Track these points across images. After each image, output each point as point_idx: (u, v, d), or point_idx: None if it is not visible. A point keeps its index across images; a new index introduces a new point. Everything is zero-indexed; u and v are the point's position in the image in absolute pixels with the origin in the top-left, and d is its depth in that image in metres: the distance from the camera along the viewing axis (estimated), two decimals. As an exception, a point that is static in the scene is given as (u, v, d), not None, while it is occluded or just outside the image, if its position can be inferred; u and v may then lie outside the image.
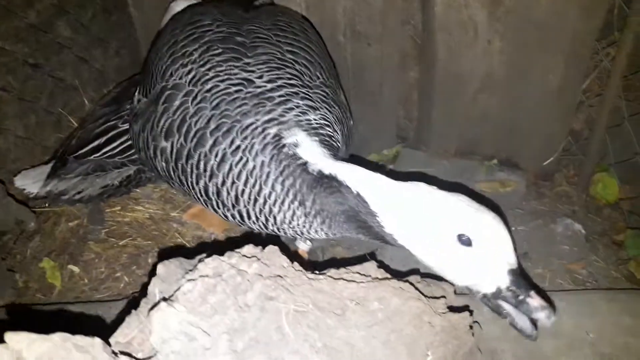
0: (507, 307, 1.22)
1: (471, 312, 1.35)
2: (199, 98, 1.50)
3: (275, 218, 1.45)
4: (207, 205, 1.57)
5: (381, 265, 1.28)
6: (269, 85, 1.51)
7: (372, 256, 1.39)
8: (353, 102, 2.62)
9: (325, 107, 1.59)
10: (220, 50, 1.56)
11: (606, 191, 2.39)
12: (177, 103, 1.53)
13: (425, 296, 1.21)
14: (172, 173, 1.58)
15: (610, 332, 1.58)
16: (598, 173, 2.43)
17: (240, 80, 1.51)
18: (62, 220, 2.26)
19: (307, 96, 1.56)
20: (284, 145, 1.42)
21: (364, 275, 1.18)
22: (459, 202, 1.22)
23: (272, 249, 1.12)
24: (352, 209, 1.33)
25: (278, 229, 1.48)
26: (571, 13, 2.06)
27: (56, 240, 2.21)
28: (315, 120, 1.50)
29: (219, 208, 1.54)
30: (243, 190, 1.44)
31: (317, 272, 1.19)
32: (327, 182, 1.36)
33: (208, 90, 1.50)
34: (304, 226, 1.44)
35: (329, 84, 1.70)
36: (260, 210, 1.45)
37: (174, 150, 1.52)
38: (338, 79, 2.02)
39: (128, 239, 2.20)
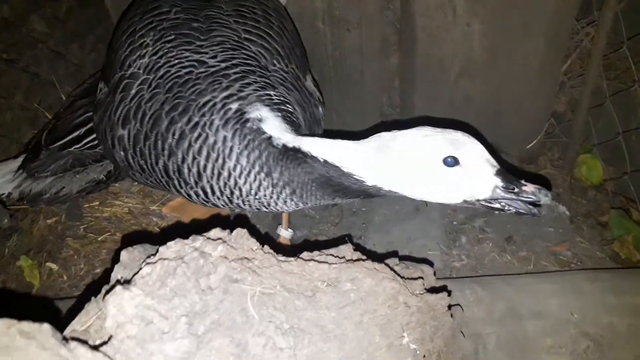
0: (504, 201, 1.27)
1: (449, 293, 1.32)
2: (153, 85, 1.50)
3: (240, 190, 1.43)
4: (170, 187, 1.54)
5: (358, 248, 1.25)
6: (224, 64, 1.52)
7: (350, 239, 1.36)
8: (335, 90, 2.60)
9: (283, 89, 1.59)
10: (172, 37, 1.57)
11: (590, 173, 2.37)
12: (133, 92, 1.53)
13: (402, 277, 1.18)
14: (131, 161, 1.56)
15: (595, 311, 1.56)
16: (582, 155, 2.41)
17: (191, 62, 1.51)
18: (40, 217, 2.22)
19: (263, 75, 1.56)
20: (247, 120, 1.42)
21: (337, 257, 1.15)
22: (429, 133, 1.29)
23: (241, 232, 1.09)
24: (323, 176, 1.36)
25: (243, 201, 1.46)
26: (550, -8, 2.03)
27: (34, 237, 2.17)
28: (275, 95, 1.51)
29: (181, 187, 1.51)
30: (205, 166, 1.43)
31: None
32: (292, 155, 1.37)
33: (161, 77, 1.51)
34: (271, 197, 1.43)
35: (288, 69, 1.69)
36: (225, 184, 1.43)
37: (131, 136, 1.51)
38: (307, 67, 2.00)
39: (107, 234, 2.16)
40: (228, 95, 1.45)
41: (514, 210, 1.27)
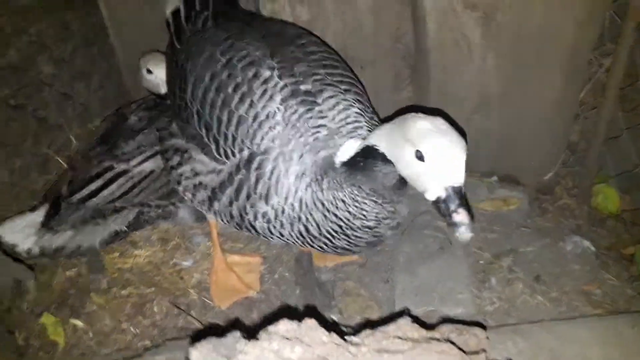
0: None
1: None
2: (287, 158, 1.65)
3: (342, 220, 1.65)
4: (305, 244, 1.76)
5: (416, 321, 1.23)
6: (340, 124, 1.70)
7: (408, 313, 1.36)
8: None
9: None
10: (295, 107, 1.68)
11: (607, 202, 2.38)
12: (270, 167, 1.66)
13: (465, 352, 1.16)
14: (272, 230, 1.74)
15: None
16: (597, 184, 2.42)
17: (316, 128, 1.67)
18: (59, 269, 2.17)
19: (370, 130, 1.71)
20: (334, 160, 1.64)
21: (403, 339, 1.14)
22: (422, 125, 1.41)
23: (310, 325, 1.07)
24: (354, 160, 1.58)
25: (353, 231, 1.67)
26: (567, 26, 2.03)
27: (54, 292, 2.13)
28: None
29: (313, 242, 1.73)
30: (318, 217, 1.65)
31: (353, 337, 1.14)
32: (354, 158, 1.59)
33: (292, 149, 1.66)
34: (355, 206, 1.62)
35: (372, 113, 1.87)
36: (332, 222, 1.66)
37: (274, 211, 1.69)
38: None
39: (131, 287, 2.11)
40: (332, 147, 1.65)
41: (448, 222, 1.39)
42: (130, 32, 2.77)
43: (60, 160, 2.59)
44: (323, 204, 1.63)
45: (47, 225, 2.04)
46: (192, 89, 1.81)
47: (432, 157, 1.35)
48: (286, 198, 1.66)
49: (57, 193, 2.12)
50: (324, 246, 1.75)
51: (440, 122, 1.43)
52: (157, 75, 2.28)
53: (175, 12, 2.07)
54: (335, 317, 2.03)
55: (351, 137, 1.67)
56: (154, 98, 2.43)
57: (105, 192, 2.05)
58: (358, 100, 1.79)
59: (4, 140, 2.27)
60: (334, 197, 1.62)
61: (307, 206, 1.65)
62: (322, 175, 1.63)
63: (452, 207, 1.35)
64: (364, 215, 1.64)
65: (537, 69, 2.16)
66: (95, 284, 2.15)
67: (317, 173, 1.64)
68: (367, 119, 1.76)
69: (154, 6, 2.64)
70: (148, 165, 2.11)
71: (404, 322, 1.21)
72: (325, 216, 1.65)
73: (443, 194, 1.36)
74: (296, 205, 1.66)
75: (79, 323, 2.05)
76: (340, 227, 1.66)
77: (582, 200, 2.42)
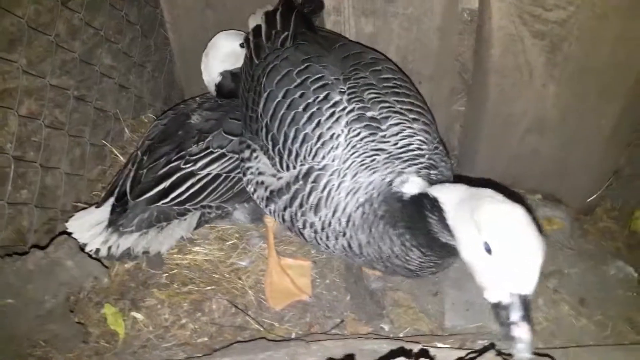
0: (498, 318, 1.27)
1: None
2: (341, 175, 1.70)
3: (383, 252, 1.66)
4: (348, 258, 1.82)
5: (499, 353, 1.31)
6: (401, 150, 1.71)
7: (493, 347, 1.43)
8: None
9: (443, 167, 1.77)
10: (358, 131, 1.73)
11: (647, 226, 2.47)
12: (324, 182, 1.72)
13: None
14: (318, 240, 1.79)
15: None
16: (637, 209, 2.50)
17: (375, 151, 1.69)
18: (116, 262, 2.24)
19: (431, 159, 1.73)
20: (392, 187, 1.62)
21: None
22: (499, 212, 1.27)
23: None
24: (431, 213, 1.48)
25: (390, 262, 1.68)
26: (635, 60, 2.09)
27: (113, 283, 2.19)
28: (433, 174, 1.69)
29: (354, 258, 1.78)
30: (362, 238, 1.67)
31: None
32: (415, 201, 1.55)
33: (348, 167, 1.70)
34: (401, 249, 1.60)
35: (438, 143, 1.86)
36: (374, 250, 1.67)
37: (321, 222, 1.74)
38: None
39: (191, 285, 2.18)
40: (390, 172, 1.65)
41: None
42: (186, 25, 2.80)
43: (115, 151, 2.64)
44: (370, 230, 1.64)
45: (114, 224, 2.08)
46: (264, 103, 1.88)
47: (502, 256, 1.21)
48: (335, 212, 1.70)
49: (122, 190, 2.15)
50: (363, 264, 1.82)
51: (520, 213, 1.26)
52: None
53: (256, 29, 2.13)
54: (386, 327, 2.12)
55: (413, 165, 1.67)
56: (215, 99, 2.48)
57: (173, 194, 2.09)
58: (424, 130, 1.81)
59: (68, 131, 2.31)
60: (383, 230, 1.62)
61: (354, 224, 1.67)
62: (378, 201, 1.63)
63: (514, 318, 1.20)
64: (406, 260, 1.63)
65: (597, 99, 2.22)
66: (155, 279, 2.22)
67: (373, 195, 1.64)
68: (431, 148, 1.78)
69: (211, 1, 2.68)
70: (214, 169, 2.16)
71: (491, 357, 1.29)
72: (369, 242, 1.66)
73: (506, 300, 1.22)
74: (343, 220, 1.69)
75: (139, 316, 2.12)
76: (381, 257, 1.67)
77: (623, 224, 2.51)
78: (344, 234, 1.71)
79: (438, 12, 2.27)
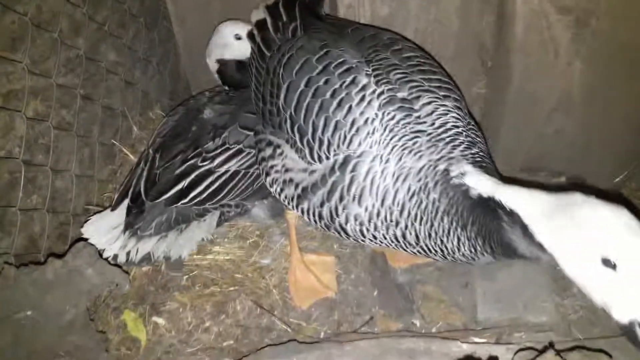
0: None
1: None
2: (384, 160, 1.63)
3: (446, 247, 1.61)
4: (398, 247, 1.73)
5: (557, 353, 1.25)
6: (440, 130, 1.65)
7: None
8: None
9: (480, 142, 1.73)
10: (393, 114, 1.66)
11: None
12: (364, 169, 1.64)
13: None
14: (365, 232, 1.71)
15: None
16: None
17: (415, 133, 1.63)
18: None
19: (469, 135, 1.69)
20: (451, 178, 1.55)
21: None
22: (609, 219, 1.18)
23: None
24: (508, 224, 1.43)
25: (453, 257, 1.63)
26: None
27: (132, 288, 2.11)
28: (477, 153, 1.65)
29: (407, 248, 1.70)
30: (420, 229, 1.61)
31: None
32: (484, 203, 1.48)
33: (390, 152, 1.62)
34: (470, 250, 1.57)
35: (469, 119, 1.80)
36: (435, 243, 1.61)
37: (368, 213, 1.66)
38: None
39: (214, 286, 2.10)
40: (439, 158, 1.59)
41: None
42: (191, 16, 2.70)
43: (125, 150, 2.55)
44: (432, 224, 1.58)
45: (131, 227, 2.00)
46: (285, 94, 1.80)
47: (633, 269, 1.11)
48: (384, 200, 1.63)
49: (137, 191, 2.06)
50: (417, 253, 1.73)
51: (626, 215, 1.18)
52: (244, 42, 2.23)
53: (260, 23, 2.06)
54: (417, 323, 2.05)
55: (456, 147, 1.61)
56: (225, 91, 2.39)
57: (193, 194, 2.00)
58: (456, 106, 1.75)
59: (76, 131, 2.22)
60: (450, 228, 1.56)
61: (409, 214, 1.61)
62: (437, 192, 1.56)
63: None
64: (472, 258, 1.60)
65: (625, 77, 2.14)
66: (175, 282, 2.15)
67: (428, 185, 1.57)
68: (465, 124, 1.73)
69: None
70: (232, 165, 2.07)
71: (551, 357, 1.22)
72: (429, 235, 1.61)
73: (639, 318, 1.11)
74: (395, 209, 1.62)
75: (160, 321, 2.05)
76: (442, 250, 1.63)
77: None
78: (397, 224, 1.64)
79: (458, -10, 2.18)
